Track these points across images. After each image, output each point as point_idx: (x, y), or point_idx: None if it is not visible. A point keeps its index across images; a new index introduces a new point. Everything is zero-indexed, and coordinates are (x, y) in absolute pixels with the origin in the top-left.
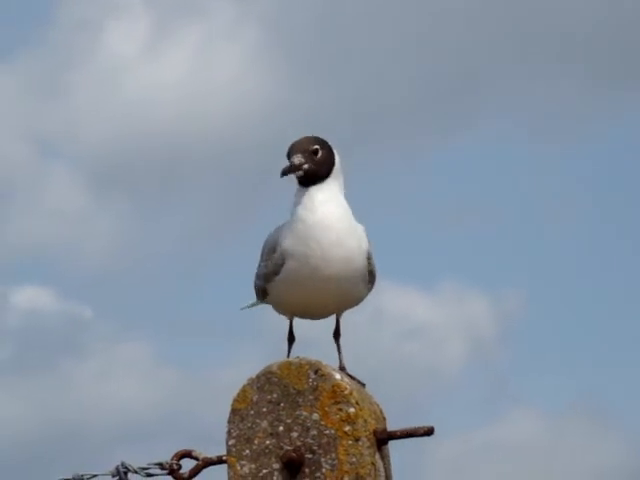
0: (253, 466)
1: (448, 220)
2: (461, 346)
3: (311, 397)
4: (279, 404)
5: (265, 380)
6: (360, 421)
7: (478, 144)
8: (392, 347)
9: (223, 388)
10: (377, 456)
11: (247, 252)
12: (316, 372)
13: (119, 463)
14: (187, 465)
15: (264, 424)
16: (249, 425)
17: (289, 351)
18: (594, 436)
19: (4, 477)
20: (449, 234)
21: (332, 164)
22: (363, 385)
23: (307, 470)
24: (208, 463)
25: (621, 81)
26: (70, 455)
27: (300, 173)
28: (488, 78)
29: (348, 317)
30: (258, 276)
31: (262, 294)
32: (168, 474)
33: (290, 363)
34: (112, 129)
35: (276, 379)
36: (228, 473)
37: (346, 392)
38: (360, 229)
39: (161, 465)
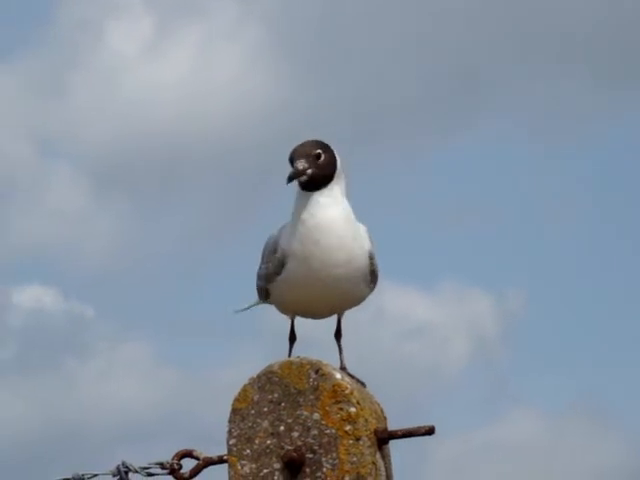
0: (254, 466)
1: (448, 220)
2: (461, 346)
3: (312, 397)
4: (280, 404)
5: (266, 380)
6: (361, 420)
7: (478, 144)
8: (393, 347)
9: (223, 388)
10: (378, 455)
11: (247, 252)
12: (317, 372)
13: (120, 463)
14: (188, 465)
15: (265, 424)
16: (250, 425)
17: (290, 351)
18: (594, 436)
19: (4, 477)
20: (449, 234)
21: (334, 167)
22: (363, 385)
23: (308, 470)
24: (209, 463)
25: (621, 81)
26: (71, 455)
27: (304, 178)
28: (488, 78)
29: (349, 317)
30: (259, 277)
31: (264, 294)
32: (169, 474)
33: (291, 363)
34: (112, 129)
35: (277, 379)
36: (229, 473)
37: (347, 392)
38: (362, 229)
39: (162, 465)
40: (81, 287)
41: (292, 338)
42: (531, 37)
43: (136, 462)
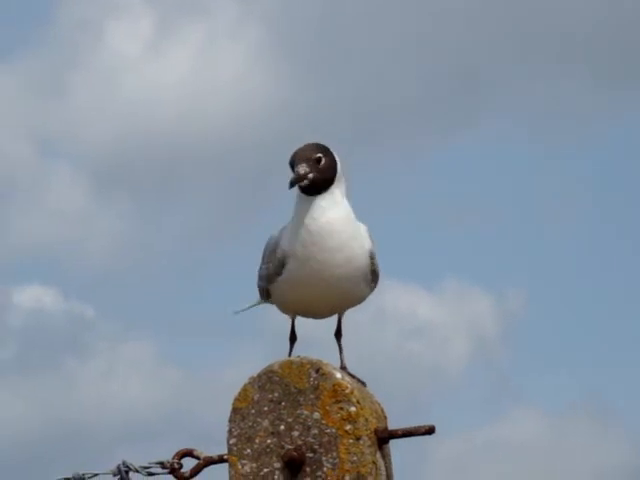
0: (254, 465)
1: (448, 220)
2: (462, 345)
3: (312, 396)
4: (280, 403)
5: (266, 379)
6: (361, 420)
7: (478, 144)
8: (393, 346)
9: (224, 387)
10: (378, 455)
11: (247, 252)
12: (317, 371)
13: (120, 462)
14: (188, 464)
15: (265, 423)
16: (250, 424)
17: (291, 350)
18: (595, 435)
19: (5, 477)
20: (449, 234)
21: (335, 170)
22: (364, 384)
23: (308, 469)
24: (209, 462)
25: (621, 81)
26: (71, 455)
27: (306, 182)
28: (488, 78)
29: (350, 316)
30: (260, 277)
31: (265, 295)
32: (169, 473)
33: (291, 362)
34: (112, 129)
35: (277, 378)
36: (229, 472)
37: (347, 391)
38: (363, 229)
39: (162, 464)
40: (81, 287)
41: (292, 338)
42: (531, 37)
43: (137, 462)
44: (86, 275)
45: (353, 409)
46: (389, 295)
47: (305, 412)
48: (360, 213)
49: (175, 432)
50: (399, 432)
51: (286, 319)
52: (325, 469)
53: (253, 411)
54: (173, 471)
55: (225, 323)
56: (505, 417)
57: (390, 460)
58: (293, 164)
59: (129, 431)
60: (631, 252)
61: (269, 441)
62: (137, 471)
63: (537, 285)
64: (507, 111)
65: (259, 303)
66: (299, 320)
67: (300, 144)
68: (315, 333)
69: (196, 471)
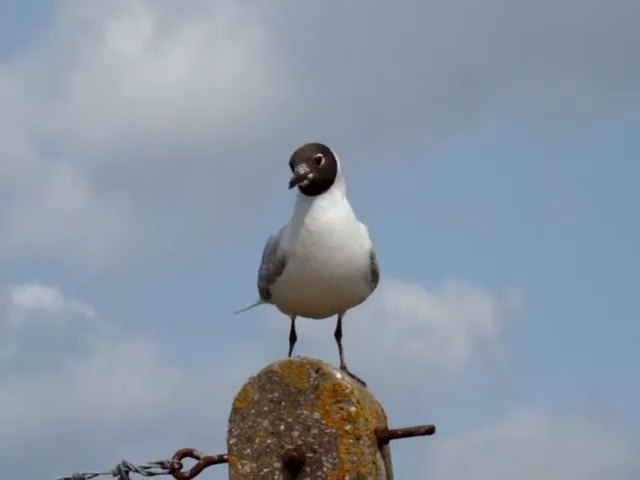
0: (254, 465)
1: (448, 220)
2: (462, 345)
3: (312, 396)
4: (280, 403)
5: (266, 379)
6: (361, 420)
7: (478, 144)
8: (393, 346)
9: (224, 387)
10: (378, 455)
11: (247, 252)
12: (317, 371)
13: (120, 462)
14: (188, 464)
15: (265, 423)
16: (250, 424)
17: (291, 350)
18: (596, 435)
19: (5, 477)
20: (449, 234)
21: (335, 170)
22: (364, 384)
23: (308, 469)
24: (209, 462)
25: (621, 81)
26: (71, 455)
27: (306, 182)
28: (488, 78)
29: (350, 316)
30: (260, 277)
31: (265, 294)
32: (169, 473)
33: (291, 362)
34: (113, 129)
35: (277, 378)
36: (229, 472)
37: (347, 391)
38: (363, 229)
39: (162, 464)
40: (81, 287)
41: (292, 338)
42: (531, 37)
43: (137, 462)
44: (86, 275)
45: (353, 409)
46: (389, 295)
47: (305, 412)
48: (360, 213)
49: (175, 432)
50: (399, 432)
51: (286, 319)
52: (325, 469)
53: (253, 411)
54: (173, 471)
55: (225, 323)
56: (505, 417)
57: (390, 460)
58: (293, 164)
59: (129, 431)
60: (631, 252)
61: (269, 441)
62: (137, 471)
63: (537, 285)
64: (507, 111)
65: (259, 303)
66: (299, 320)
67: (300, 144)
68: (315, 333)
69: (196, 471)
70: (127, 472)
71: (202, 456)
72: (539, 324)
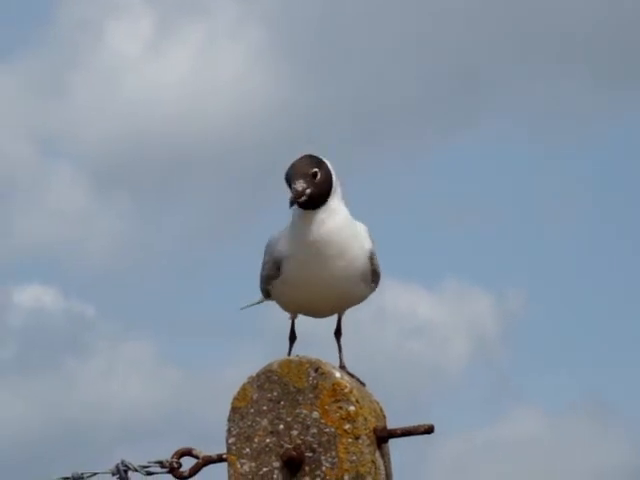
0: (253, 464)
1: (448, 220)
2: (462, 345)
3: (311, 395)
4: (279, 402)
5: (265, 378)
6: (360, 419)
7: (478, 144)
8: (393, 346)
9: (224, 387)
10: (377, 454)
11: (247, 252)
12: (316, 370)
13: (119, 461)
14: (187, 463)
15: (264, 422)
16: (249, 423)
17: (290, 350)
18: (596, 435)
19: (5, 477)
20: (449, 234)
21: (330, 184)
22: (363, 384)
23: (307, 468)
24: (208, 461)
25: (621, 81)
26: (71, 455)
27: (304, 199)
28: (488, 78)
29: (350, 315)
30: (260, 278)
31: (266, 294)
32: (168, 472)
33: (290, 361)
34: (113, 129)
35: (276, 377)
36: (228, 471)
37: (346, 390)
38: (363, 229)
39: (161, 463)
40: (81, 287)
41: (292, 338)
42: (531, 37)
43: (137, 461)
44: (86, 275)
45: (352, 408)
46: (389, 295)
47: (304, 411)
48: (360, 213)
49: (175, 432)
50: (398, 431)
51: (286, 319)
52: (324, 468)
53: (252, 410)
54: (172, 470)
55: (225, 323)
56: (505, 417)
57: (389, 459)
58: (289, 180)
59: (129, 431)
60: (631, 252)
61: (268, 440)
62: (136, 470)
63: (537, 285)
64: (507, 111)
65: (263, 300)
66: (299, 319)
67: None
68: (314, 332)
69: (195, 470)
70: (126, 471)
71: (201, 455)
72: (539, 324)
